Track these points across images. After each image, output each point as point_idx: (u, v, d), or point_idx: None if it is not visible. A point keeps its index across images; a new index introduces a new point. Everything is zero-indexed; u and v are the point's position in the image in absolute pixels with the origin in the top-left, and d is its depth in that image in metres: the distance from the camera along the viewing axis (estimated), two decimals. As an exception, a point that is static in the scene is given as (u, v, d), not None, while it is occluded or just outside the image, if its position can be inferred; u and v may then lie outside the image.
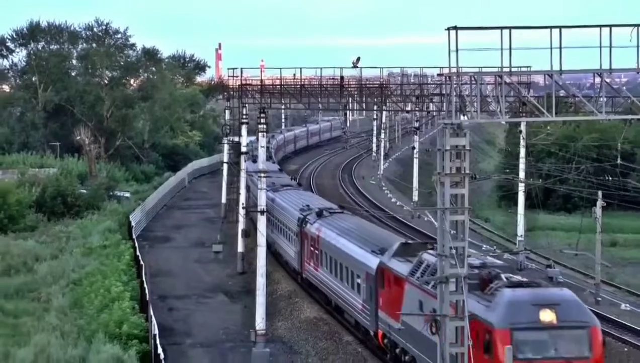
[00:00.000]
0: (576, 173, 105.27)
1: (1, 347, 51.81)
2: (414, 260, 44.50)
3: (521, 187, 79.61)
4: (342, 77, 67.51)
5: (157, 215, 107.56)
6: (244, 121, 74.50)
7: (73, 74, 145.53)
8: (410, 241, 53.94)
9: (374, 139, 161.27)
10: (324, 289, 62.19)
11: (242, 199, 76.40)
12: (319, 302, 64.40)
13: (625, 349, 53.82)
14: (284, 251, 74.56)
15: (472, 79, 30.98)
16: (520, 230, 79.13)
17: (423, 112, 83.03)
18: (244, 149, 75.18)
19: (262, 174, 56.51)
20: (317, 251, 62.73)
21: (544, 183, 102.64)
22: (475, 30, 29.96)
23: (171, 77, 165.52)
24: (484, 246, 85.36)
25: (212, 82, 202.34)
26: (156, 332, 49.99)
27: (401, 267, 45.89)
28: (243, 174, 76.98)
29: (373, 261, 50.53)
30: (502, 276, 38.50)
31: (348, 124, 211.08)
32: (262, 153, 59.24)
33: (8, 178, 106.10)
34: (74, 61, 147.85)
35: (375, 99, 68.84)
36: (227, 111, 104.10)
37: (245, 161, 76.46)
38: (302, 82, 68.56)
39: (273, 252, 77.25)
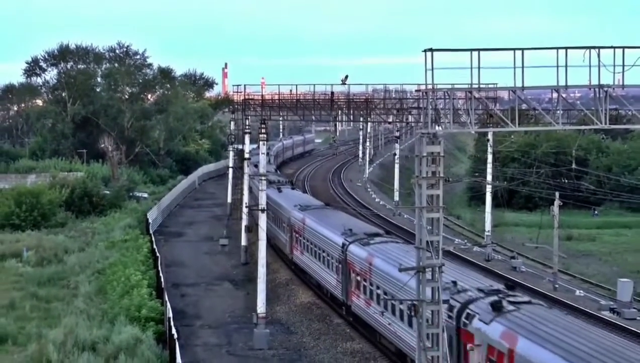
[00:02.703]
0: (536, 176, 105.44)
1: (35, 327, 51.82)
2: None
3: (488, 188, 79.58)
4: (332, 93, 67.31)
5: (171, 213, 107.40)
6: (247, 131, 74.45)
7: (98, 90, 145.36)
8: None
9: (360, 147, 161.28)
10: (384, 332, 47.70)
11: (245, 199, 76.32)
12: (312, 289, 64.35)
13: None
14: (322, 278, 60.88)
15: (446, 94, 30.98)
16: (488, 225, 79.09)
17: (403, 123, 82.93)
18: (247, 155, 75.11)
19: (263, 178, 56.46)
20: (369, 285, 49.45)
21: (509, 185, 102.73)
22: (448, 52, 29.95)
23: (183, 92, 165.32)
24: (457, 240, 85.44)
25: (219, 97, 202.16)
26: (170, 315, 49.92)
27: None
28: (246, 178, 76.86)
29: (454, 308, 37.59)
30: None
31: (337, 134, 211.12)
32: (262, 159, 59.08)
33: (41, 180, 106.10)
34: (99, 79, 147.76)
35: (362, 112, 68.70)
36: (232, 122, 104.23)
37: (248, 166, 76.40)
38: (298, 97, 68.39)
39: (304, 275, 67.71)
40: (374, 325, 49.10)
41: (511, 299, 36.15)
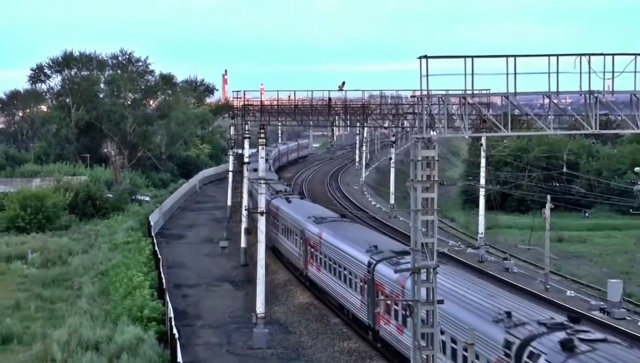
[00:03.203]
0: (528, 180, 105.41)
1: (40, 327, 51.82)
2: None
3: (482, 192, 79.66)
4: (330, 99, 67.46)
5: (173, 216, 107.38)
6: (247, 136, 74.50)
7: (101, 96, 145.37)
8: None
9: (357, 151, 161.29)
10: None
11: (245, 202, 76.33)
12: (310, 290, 64.32)
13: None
14: (343, 298, 55.00)
15: (440, 100, 30.98)
16: (481, 228, 79.16)
17: (398, 128, 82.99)
18: (246, 159, 75.16)
19: (262, 181, 56.48)
20: (402, 310, 42.94)
21: (501, 188, 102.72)
22: (443, 59, 29.97)
23: (184, 98, 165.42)
24: (451, 241, 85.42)
25: (220, 103, 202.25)
26: (172, 315, 49.87)
27: None
28: (245, 181, 76.90)
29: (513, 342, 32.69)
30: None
31: (335, 139, 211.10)
32: (261, 163, 59.20)
33: (46, 184, 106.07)
34: (102, 85, 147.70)
35: (358, 117, 68.86)
36: (232, 127, 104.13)
37: (247, 170, 76.50)
38: (296, 103, 68.61)
39: (319, 290, 62.43)
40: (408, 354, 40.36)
41: (583, 336, 30.77)
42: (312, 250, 62.59)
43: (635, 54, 29.96)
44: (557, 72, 29.94)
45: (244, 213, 75.67)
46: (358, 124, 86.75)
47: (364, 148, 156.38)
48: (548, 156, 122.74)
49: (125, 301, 55.98)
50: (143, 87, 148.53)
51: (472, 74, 29.56)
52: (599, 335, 31.51)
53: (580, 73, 29.92)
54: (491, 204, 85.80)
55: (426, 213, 30.50)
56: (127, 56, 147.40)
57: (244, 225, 75.91)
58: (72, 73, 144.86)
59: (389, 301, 45.89)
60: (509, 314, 34.17)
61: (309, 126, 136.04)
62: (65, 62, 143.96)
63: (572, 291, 65.14)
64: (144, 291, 57.38)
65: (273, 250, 77.37)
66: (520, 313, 34.56)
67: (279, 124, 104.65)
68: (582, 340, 30.28)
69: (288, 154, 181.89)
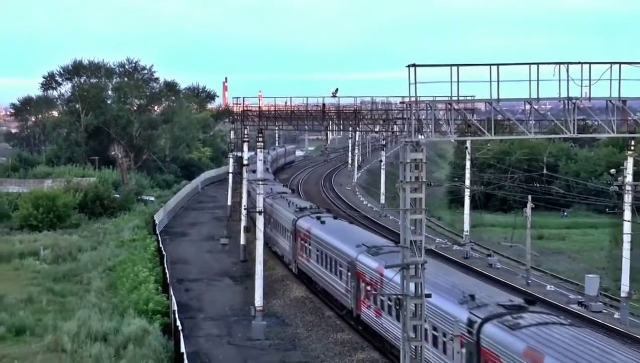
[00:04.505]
0: (511, 181, 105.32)
1: (51, 320, 51.71)
2: None
3: (467, 192, 79.67)
4: (324, 105, 67.51)
5: (176, 215, 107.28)
6: (245, 139, 74.44)
7: (109, 102, 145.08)
8: None
9: (350, 154, 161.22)
10: None
11: (244, 201, 76.30)
12: (305, 284, 64.23)
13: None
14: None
15: (428, 106, 30.99)
16: (466, 226, 79.18)
17: (388, 133, 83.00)
18: (245, 162, 75.10)
19: (261, 182, 56.46)
20: None
21: (485, 189, 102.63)
22: (430, 67, 29.99)
23: (187, 104, 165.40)
24: (438, 239, 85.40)
25: (220, 109, 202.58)
26: (175, 308, 49.88)
27: None
28: (245, 182, 76.86)
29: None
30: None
31: (329, 142, 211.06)
32: (260, 165, 59.10)
33: (57, 185, 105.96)
34: (110, 92, 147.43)
35: (351, 122, 68.82)
36: (232, 132, 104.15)
37: (246, 171, 76.40)
38: (292, 109, 68.53)
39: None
40: None
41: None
42: (370, 289, 47.12)
43: (611, 63, 30.03)
44: (538, 80, 30.00)
45: (244, 212, 75.70)
46: (350, 129, 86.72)
47: (356, 151, 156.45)
48: (529, 159, 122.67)
49: (132, 295, 56.00)
50: (148, 93, 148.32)
51: (458, 81, 29.60)
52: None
53: (559, 81, 29.98)
54: (476, 203, 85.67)
55: (415, 212, 30.50)
56: (133, 65, 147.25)
57: (243, 223, 75.90)
58: (82, 81, 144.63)
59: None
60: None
61: (304, 130, 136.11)
62: (75, 70, 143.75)
63: (552, 286, 65.14)
64: (149, 286, 57.40)
65: (299, 273, 65.91)
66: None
67: (276, 128, 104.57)
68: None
69: (277, 160, 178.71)
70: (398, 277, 36.61)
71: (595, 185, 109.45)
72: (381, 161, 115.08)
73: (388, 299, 42.41)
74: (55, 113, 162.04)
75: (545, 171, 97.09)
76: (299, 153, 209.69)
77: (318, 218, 63.52)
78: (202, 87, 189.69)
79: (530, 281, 65.60)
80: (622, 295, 54.82)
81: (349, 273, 50.74)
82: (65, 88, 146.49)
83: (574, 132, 31.04)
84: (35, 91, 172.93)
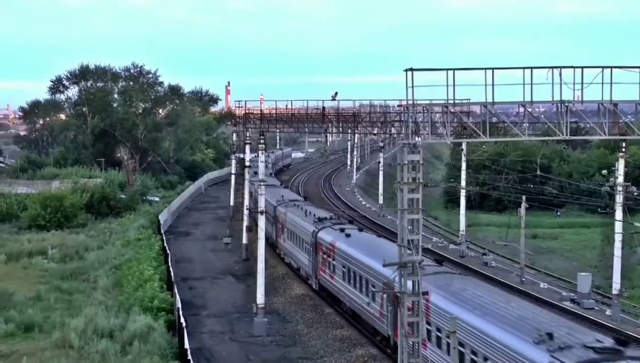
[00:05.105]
0: (505, 182, 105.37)
1: (59, 317, 51.74)
2: None
3: (462, 192, 79.63)
4: (323, 108, 67.35)
5: (180, 215, 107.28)
6: (247, 141, 74.40)
7: (115, 105, 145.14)
8: None
9: (349, 156, 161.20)
10: None
11: (246, 202, 76.24)
12: (305, 282, 64.21)
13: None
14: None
15: (425, 109, 31.02)
16: (462, 225, 79.13)
17: (386, 135, 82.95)
18: (247, 163, 75.04)
19: (262, 183, 56.44)
20: None
21: (480, 189, 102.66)
22: (427, 71, 30.02)
23: (191, 107, 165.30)
24: (434, 238, 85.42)
25: (223, 112, 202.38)
26: (179, 305, 49.89)
27: None
28: (246, 183, 76.81)
29: None
30: None
31: (328, 144, 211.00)
32: (261, 167, 59.07)
33: (64, 186, 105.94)
34: (116, 95, 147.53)
35: (350, 125, 68.79)
36: (234, 134, 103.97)
37: (248, 172, 76.36)
38: (293, 112, 68.45)
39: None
40: None
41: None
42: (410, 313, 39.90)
43: (603, 67, 30.05)
44: (532, 83, 30.04)
45: (246, 212, 75.65)
46: (349, 131, 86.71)
47: (355, 153, 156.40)
48: (523, 160, 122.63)
49: (137, 292, 55.97)
50: (153, 97, 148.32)
51: (454, 85, 29.64)
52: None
53: (552, 84, 30.01)
54: (471, 204, 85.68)
55: (412, 212, 30.52)
56: (139, 69, 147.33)
57: (245, 223, 75.87)
58: (89, 84, 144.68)
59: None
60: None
61: (305, 132, 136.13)
62: (82, 74, 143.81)
63: (546, 284, 65.14)
64: (154, 284, 57.39)
65: (320, 289, 59.98)
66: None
67: (277, 131, 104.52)
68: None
69: (275, 163, 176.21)
70: (448, 304, 35.39)
71: (587, 186, 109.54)
72: (379, 162, 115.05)
73: (437, 330, 36.31)
74: (62, 116, 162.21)
75: (538, 172, 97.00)
76: (299, 155, 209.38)
77: (342, 230, 57.54)
78: (206, 91, 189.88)
79: (524, 279, 65.61)
80: (614, 292, 54.81)
81: (385, 296, 44.51)
82: (73, 92, 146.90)
83: (566, 135, 31.07)
84: (43, 95, 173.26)
